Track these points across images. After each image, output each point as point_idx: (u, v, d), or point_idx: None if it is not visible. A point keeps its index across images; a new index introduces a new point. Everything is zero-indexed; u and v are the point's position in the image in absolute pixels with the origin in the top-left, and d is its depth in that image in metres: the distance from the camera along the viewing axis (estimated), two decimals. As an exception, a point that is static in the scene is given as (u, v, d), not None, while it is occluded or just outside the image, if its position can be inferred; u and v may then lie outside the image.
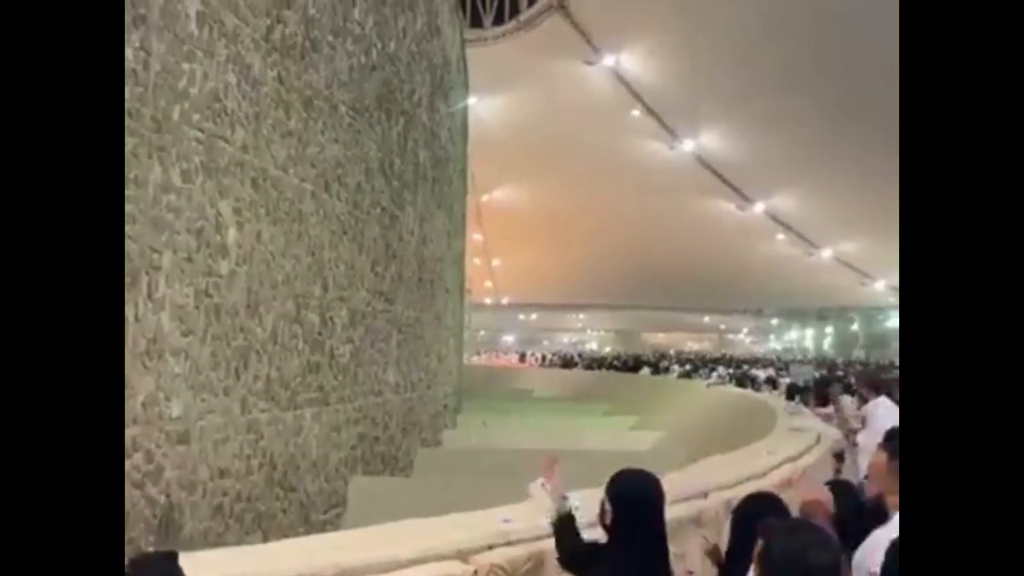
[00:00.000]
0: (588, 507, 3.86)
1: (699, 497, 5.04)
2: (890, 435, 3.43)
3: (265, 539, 6.67)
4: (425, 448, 12.13)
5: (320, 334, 8.68)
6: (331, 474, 8.70)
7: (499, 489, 7.19)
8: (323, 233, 8.84)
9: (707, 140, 39.23)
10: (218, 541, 6.37)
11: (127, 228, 5.75)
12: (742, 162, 39.78)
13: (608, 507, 2.95)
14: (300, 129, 8.40)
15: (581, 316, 69.37)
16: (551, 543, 3.41)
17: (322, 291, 8.79)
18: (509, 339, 67.16)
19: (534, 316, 67.54)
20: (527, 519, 3.58)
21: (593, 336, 71.72)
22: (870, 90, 29.23)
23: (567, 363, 37.72)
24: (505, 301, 59.41)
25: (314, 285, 8.59)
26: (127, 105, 5.82)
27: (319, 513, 8.28)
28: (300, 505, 7.97)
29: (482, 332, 57.96)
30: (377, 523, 3.55)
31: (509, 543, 3.28)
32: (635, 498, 2.96)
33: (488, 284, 54.61)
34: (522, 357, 49.53)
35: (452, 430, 14.50)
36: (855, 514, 3.43)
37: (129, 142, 5.84)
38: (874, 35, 26.27)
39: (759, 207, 43.89)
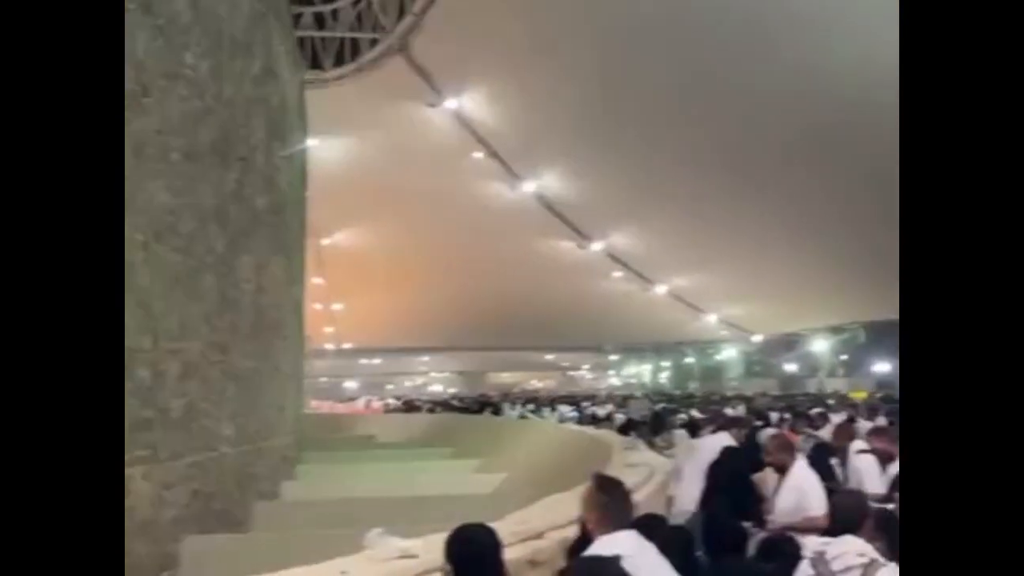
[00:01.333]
0: (430, 554, 3.92)
1: (535, 537, 5.17)
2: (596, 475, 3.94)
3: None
4: (263, 501, 11.76)
5: (151, 389, 8.33)
6: (161, 535, 8.31)
7: (340, 540, 7.10)
8: (153, 284, 8.53)
9: (548, 181, 40.28)
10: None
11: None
12: (581, 202, 41.05)
13: (448, 567, 3.09)
14: (129, 176, 8.09)
15: (425, 359, 69.27)
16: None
17: (152, 344, 8.45)
18: (352, 385, 66.20)
19: (377, 361, 66.89)
20: (364, 570, 3.62)
21: (438, 379, 71.73)
22: (703, 130, 30.91)
23: (411, 407, 37.53)
24: (347, 346, 58.58)
25: (143, 338, 8.25)
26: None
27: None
28: (129, 568, 7.55)
29: (323, 379, 56.88)
30: None
31: None
32: (472, 555, 3.09)
33: (329, 330, 53.74)
34: (366, 404, 48.88)
35: (292, 481, 14.12)
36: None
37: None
38: (707, 77, 27.90)
39: (597, 245, 45.35)
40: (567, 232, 44.49)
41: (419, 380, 71.13)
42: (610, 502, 3.65)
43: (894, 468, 7.07)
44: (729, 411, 17.59)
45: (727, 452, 8.13)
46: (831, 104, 26.36)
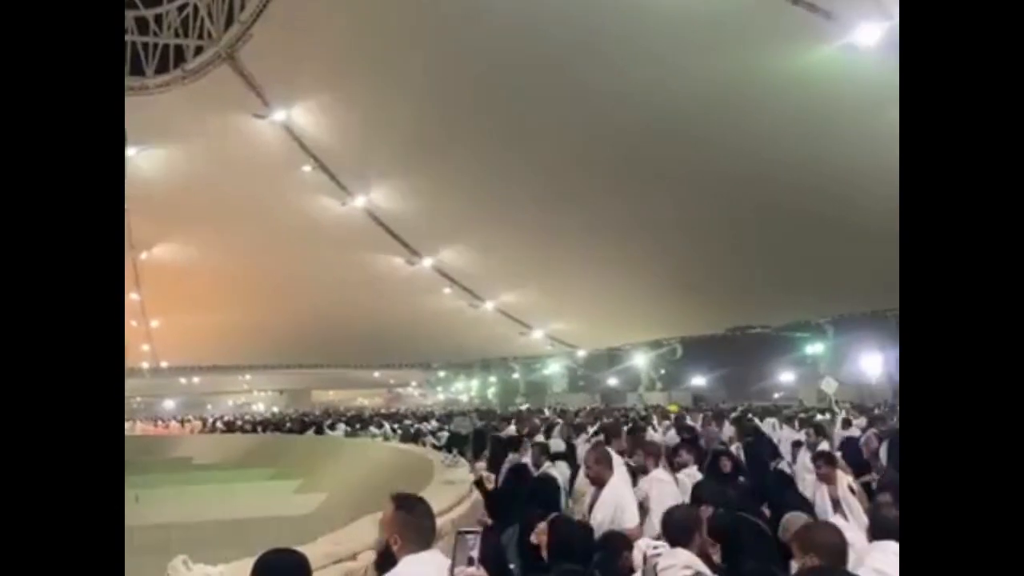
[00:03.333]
0: None
1: (349, 559, 5.16)
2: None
3: None
4: (66, 529, 11.09)
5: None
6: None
7: (151, 568, 6.84)
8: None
9: (378, 196, 39.93)
10: None
11: None
12: (411, 218, 40.94)
13: None
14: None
15: (247, 377, 67.08)
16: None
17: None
18: (170, 404, 63.25)
19: (196, 380, 64.21)
20: None
21: (260, 397, 69.60)
22: (531, 149, 31.61)
23: (230, 427, 36.26)
24: (165, 365, 55.92)
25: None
26: None
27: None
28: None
29: (138, 399, 54.06)
30: None
31: None
32: None
33: (146, 347, 51.14)
34: (182, 423, 46.82)
35: (99, 507, 13.41)
36: None
37: None
38: (535, 95, 28.57)
39: (427, 262, 45.37)
40: (397, 248, 44.24)
41: (241, 399, 68.77)
42: (411, 520, 3.61)
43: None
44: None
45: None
46: (647, 120, 27.62)
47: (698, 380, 52.73)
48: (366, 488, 13.64)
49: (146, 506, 13.44)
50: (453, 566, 3.30)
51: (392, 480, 12.81)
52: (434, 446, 16.35)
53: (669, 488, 7.74)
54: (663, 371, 54.51)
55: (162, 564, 7.04)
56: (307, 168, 38.00)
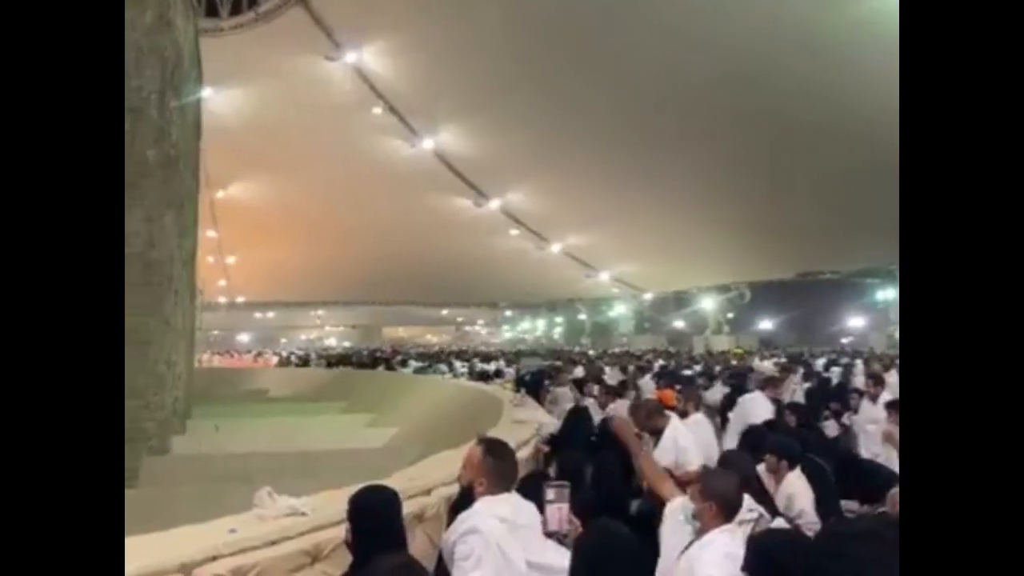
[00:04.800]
0: (319, 511, 4.09)
1: (423, 494, 5.34)
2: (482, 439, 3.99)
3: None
4: (152, 457, 11.73)
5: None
6: (49, 490, 8.28)
7: (232, 496, 7.22)
8: (39, 238, 8.40)
9: (446, 138, 40.05)
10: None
11: None
12: (479, 160, 40.99)
13: (348, 525, 3.24)
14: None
15: (320, 313, 68.47)
16: (274, 551, 3.65)
17: (38, 299, 8.35)
18: (245, 338, 64.99)
19: (271, 314, 65.80)
20: (253, 528, 3.75)
21: (332, 332, 70.99)
22: (602, 91, 31.25)
23: (304, 361, 37.22)
24: (241, 300, 57.41)
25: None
26: None
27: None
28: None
29: (215, 332, 55.66)
30: None
31: (233, 553, 3.44)
32: (370, 515, 3.24)
33: (222, 283, 52.52)
34: (257, 357, 48.16)
35: (182, 436, 14.09)
36: None
37: None
38: (612, 35, 28.17)
39: (494, 203, 45.48)
40: (465, 190, 44.46)
41: (313, 334, 70.26)
42: (498, 465, 3.71)
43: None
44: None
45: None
46: (719, 63, 27.06)
47: (766, 324, 52.21)
48: (436, 425, 14.00)
49: (225, 436, 14.07)
50: (546, 522, 3.51)
51: (461, 418, 13.11)
52: (506, 384, 16.54)
53: (707, 431, 7.85)
54: (730, 315, 54.01)
55: (242, 491, 7.40)
56: (377, 110, 38.22)
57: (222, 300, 54.29)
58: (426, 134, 39.92)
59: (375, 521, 3.21)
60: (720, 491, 3.74)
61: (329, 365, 31.74)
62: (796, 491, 5.47)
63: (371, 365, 28.45)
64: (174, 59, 14.58)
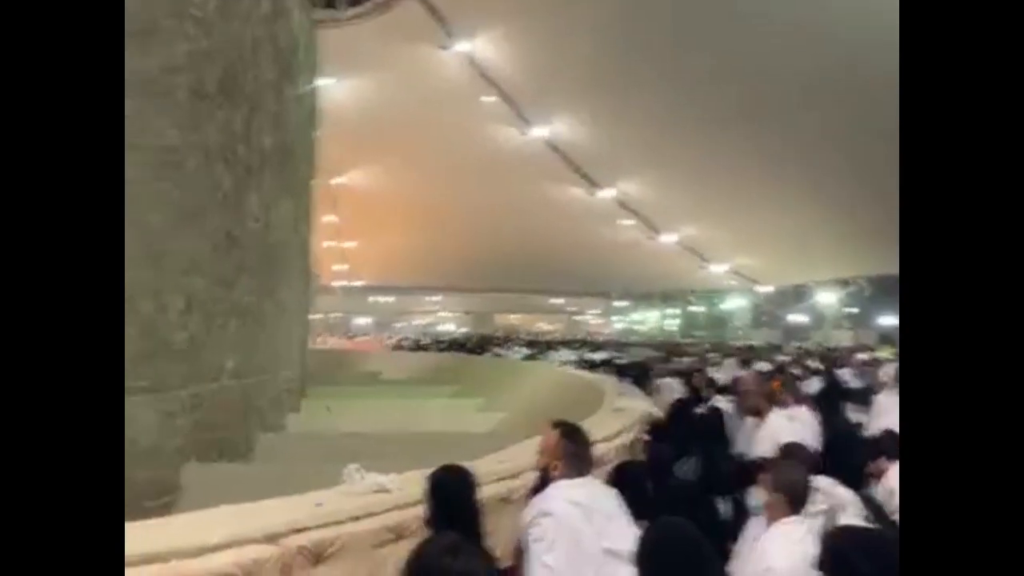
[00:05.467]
0: (404, 490, 4.12)
1: (511, 477, 5.36)
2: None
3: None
4: (267, 433, 12.13)
5: (153, 321, 8.62)
6: (165, 462, 8.66)
7: (338, 474, 7.38)
8: (159, 219, 8.76)
9: (558, 127, 40.04)
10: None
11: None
12: (592, 149, 40.82)
13: (427, 503, 3.33)
14: (135, 114, 8.28)
15: (436, 298, 69.69)
16: (359, 525, 3.69)
17: (156, 277, 8.72)
18: (362, 322, 66.76)
19: (389, 299, 67.39)
20: (339, 503, 3.81)
21: (447, 318, 72.12)
22: (716, 80, 30.62)
23: (418, 346, 37.94)
24: (358, 284, 58.96)
25: (148, 271, 8.51)
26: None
27: (150, 501, 8.25)
28: (131, 494, 7.90)
29: (333, 315, 57.34)
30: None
31: (318, 526, 3.50)
32: (445, 494, 3.33)
33: (340, 267, 54.04)
34: (373, 339, 49.39)
35: (296, 414, 14.52)
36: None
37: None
38: (732, 23, 27.57)
39: (607, 193, 45.22)
40: (576, 179, 44.36)
41: (429, 319, 71.54)
42: (572, 448, 3.72)
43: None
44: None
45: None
46: (839, 50, 26.08)
47: (887, 320, 50.21)
48: (541, 410, 13.99)
49: (337, 416, 14.42)
50: None
51: (566, 404, 13.08)
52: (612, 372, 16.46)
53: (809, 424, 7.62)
54: (850, 309, 52.21)
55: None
56: (489, 98, 38.50)
57: (340, 284, 55.88)
58: (538, 122, 39.97)
59: (450, 500, 3.28)
60: (787, 482, 3.69)
61: (440, 350, 32.22)
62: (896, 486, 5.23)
63: (481, 351, 28.74)
64: (290, 49, 14.97)
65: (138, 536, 3.29)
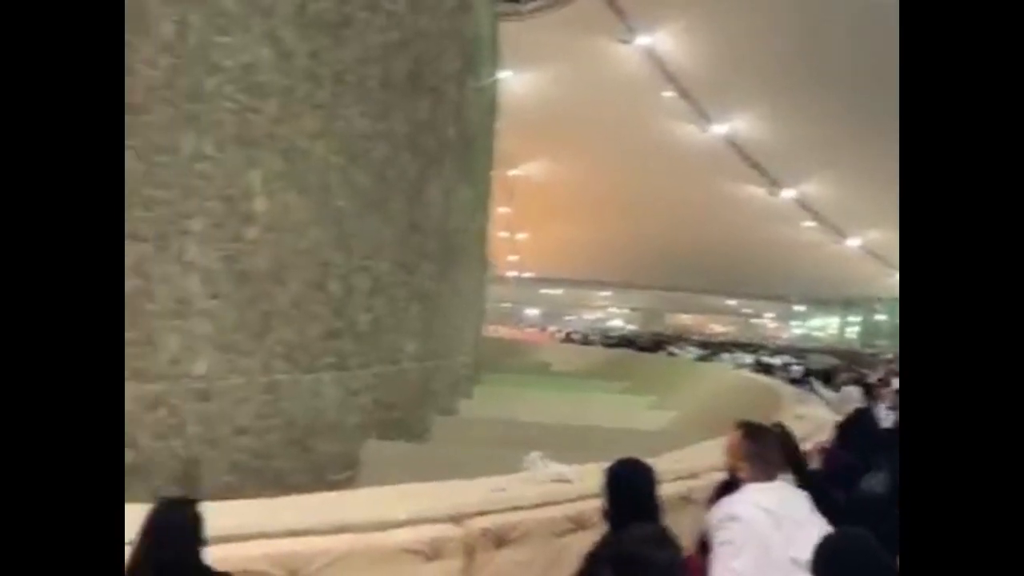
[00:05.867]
0: (584, 481, 4.07)
1: (691, 477, 5.23)
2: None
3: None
4: (442, 416, 12.43)
5: (341, 302, 8.97)
6: (347, 437, 9.01)
7: (512, 460, 7.45)
8: (348, 204, 9.10)
9: (740, 124, 39.05)
10: (235, 496, 6.68)
11: (161, 193, 6.05)
12: (774, 147, 39.60)
13: (604, 496, 3.19)
14: (329, 103, 8.63)
15: (606, 293, 69.52)
16: (541, 513, 3.66)
17: (345, 260, 9.07)
18: (532, 313, 67.50)
19: (558, 291, 67.82)
20: (520, 489, 3.79)
21: (616, 314, 71.78)
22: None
23: (587, 340, 37.96)
24: (529, 275, 59.64)
25: (337, 254, 8.86)
26: (163, 76, 6.10)
27: (333, 474, 8.60)
28: (315, 466, 8.29)
29: (504, 305, 58.20)
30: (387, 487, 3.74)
31: (501, 510, 3.49)
32: (626, 487, 3.20)
33: (513, 258, 54.80)
34: (543, 331, 49.86)
35: (469, 400, 14.80)
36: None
37: (165, 112, 6.13)
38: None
39: (789, 193, 43.70)
40: (757, 178, 43.07)
41: (598, 314, 71.45)
42: (757, 450, 3.53)
43: None
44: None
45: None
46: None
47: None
48: (715, 413, 13.66)
49: (507, 404, 14.59)
50: None
51: (742, 407, 12.68)
52: (789, 379, 15.86)
53: None
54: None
55: (519, 457, 7.65)
56: (668, 93, 37.95)
57: (512, 274, 56.72)
58: (718, 119, 39.07)
59: (629, 493, 3.18)
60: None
61: (609, 346, 32.10)
62: None
63: (652, 349, 28.42)
64: (473, 41, 15.24)
65: (332, 506, 3.38)
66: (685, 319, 68.73)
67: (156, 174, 6.08)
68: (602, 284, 65.26)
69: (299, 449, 8.02)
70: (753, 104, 36.60)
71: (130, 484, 6.03)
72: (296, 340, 7.95)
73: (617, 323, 68.21)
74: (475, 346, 16.69)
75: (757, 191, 44.19)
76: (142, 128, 5.96)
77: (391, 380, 10.64)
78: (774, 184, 43.45)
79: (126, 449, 5.78)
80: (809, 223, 46.64)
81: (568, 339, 40.98)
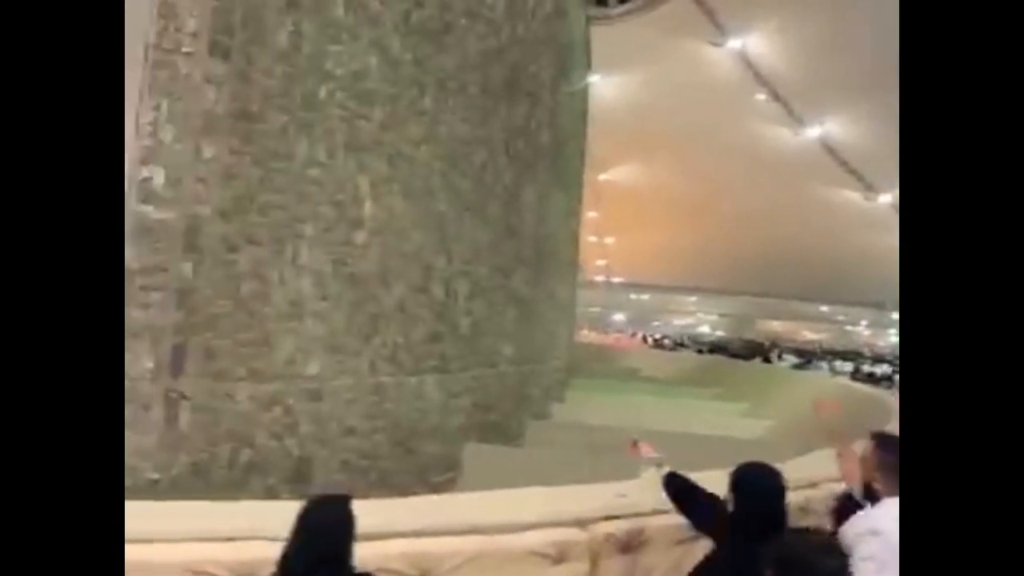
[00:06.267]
0: (705, 486, 4.02)
1: (809, 487, 5.12)
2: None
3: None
4: (536, 420, 12.47)
5: (443, 305, 9.09)
6: (448, 439, 9.11)
7: (608, 464, 7.41)
8: (449, 209, 9.23)
9: (833, 127, 38.15)
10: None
11: (276, 198, 6.24)
12: (870, 150, 38.54)
13: (731, 497, 3.12)
14: (432, 109, 8.77)
15: (693, 299, 68.63)
16: (663, 520, 3.63)
17: (446, 264, 9.19)
18: (619, 318, 67.09)
19: (646, 296, 67.25)
20: (640, 494, 3.78)
21: (705, 320, 70.78)
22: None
23: (677, 345, 37.60)
24: (617, 280, 59.36)
25: (439, 258, 8.99)
26: (279, 85, 6.29)
27: (436, 475, 8.71)
28: (419, 467, 8.42)
29: (592, 309, 57.97)
30: (490, 489, 3.75)
31: (627, 516, 3.48)
32: (755, 492, 3.12)
33: (602, 262, 54.63)
34: (632, 336, 49.54)
35: (561, 404, 14.81)
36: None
37: (280, 119, 6.32)
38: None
39: (886, 198, 42.45)
40: (852, 182, 41.98)
41: (687, 319, 70.63)
42: (891, 461, 3.46)
43: None
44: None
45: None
46: None
47: None
48: (816, 423, 13.32)
49: (601, 408, 14.54)
50: None
51: (846, 418, 12.37)
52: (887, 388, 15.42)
53: None
54: None
55: (620, 463, 7.60)
56: (760, 96, 37.33)
57: (600, 279, 56.56)
58: (811, 122, 38.24)
59: (758, 498, 3.09)
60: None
61: (701, 352, 31.69)
62: None
63: (746, 356, 27.94)
64: (566, 46, 15.29)
65: (461, 508, 3.43)
66: (776, 326, 67.30)
67: (272, 180, 6.26)
68: (690, 290, 64.50)
69: (403, 450, 8.15)
70: (847, 106, 35.76)
71: (248, 481, 6.20)
72: (401, 342, 8.09)
73: (705, 329, 67.28)
74: (568, 351, 16.69)
75: (852, 195, 43.10)
76: (259, 136, 6.16)
77: (489, 383, 10.74)
78: (870, 189, 42.31)
79: (244, 448, 5.98)
80: (907, 228, 45.25)
81: (658, 345, 40.62)
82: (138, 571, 2.54)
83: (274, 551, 2.61)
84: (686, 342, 40.53)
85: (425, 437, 8.60)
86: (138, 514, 3.30)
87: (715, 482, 4.10)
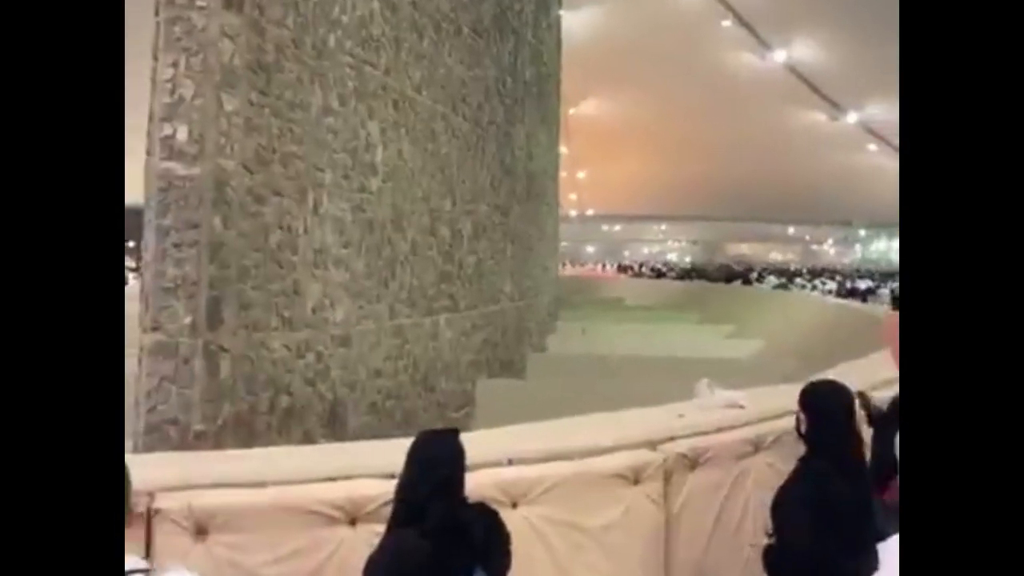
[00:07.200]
0: (754, 406, 4.21)
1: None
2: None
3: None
4: (534, 353, 12.75)
5: (451, 246, 9.26)
6: (462, 376, 9.37)
7: (606, 390, 7.69)
8: (451, 151, 9.32)
9: (799, 50, 38.24)
10: (375, 435, 7.03)
11: (296, 148, 6.32)
12: (836, 71, 38.74)
13: (803, 416, 3.10)
14: (431, 52, 8.80)
15: (663, 227, 69.07)
16: (723, 437, 3.84)
17: (451, 206, 9.32)
18: (590, 249, 67.45)
19: (616, 227, 67.57)
20: (698, 415, 4.00)
21: (674, 247, 71.35)
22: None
23: (659, 274, 37.93)
24: (590, 213, 59.55)
25: (445, 200, 9.12)
26: (291, 34, 6.32)
27: (452, 411, 8.97)
28: (437, 404, 8.67)
29: (565, 243, 58.30)
30: (502, 422, 3.84)
31: (689, 435, 3.70)
32: (825, 408, 3.11)
33: (573, 196, 54.71)
34: (603, 267, 49.83)
35: (554, 336, 15.10)
36: None
37: (295, 69, 6.36)
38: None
39: (852, 117, 42.81)
40: (819, 103, 42.25)
41: (656, 248, 71.14)
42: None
43: None
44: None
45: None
46: None
47: None
48: (809, 340, 13.69)
49: (588, 338, 14.84)
50: None
51: (836, 336, 12.72)
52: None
53: None
54: None
55: (615, 387, 7.89)
56: (726, 23, 37.24)
57: (572, 213, 56.70)
58: (778, 46, 38.28)
59: (829, 414, 3.09)
60: None
61: (680, 278, 32.03)
62: None
63: (726, 280, 28.33)
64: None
65: (541, 436, 3.60)
66: (744, 249, 68.05)
67: (291, 130, 6.32)
68: (661, 218, 64.89)
69: (423, 388, 8.38)
70: (812, 29, 35.83)
71: (287, 426, 6.39)
72: (416, 285, 8.25)
73: (673, 256, 67.83)
74: (556, 284, 16.93)
75: (819, 117, 43.43)
76: (276, 86, 6.19)
77: (494, 320, 10.97)
78: (836, 109, 42.62)
79: (282, 395, 6.16)
80: (873, 147, 45.71)
81: (638, 274, 40.84)
82: (255, 514, 2.69)
83: (378, 488, 2.81)
84: (663, 270, 40.87)
85: (441, 375, 8.84)
86: (238, 459, 3.48)
87: (756, 398, 4.31)
